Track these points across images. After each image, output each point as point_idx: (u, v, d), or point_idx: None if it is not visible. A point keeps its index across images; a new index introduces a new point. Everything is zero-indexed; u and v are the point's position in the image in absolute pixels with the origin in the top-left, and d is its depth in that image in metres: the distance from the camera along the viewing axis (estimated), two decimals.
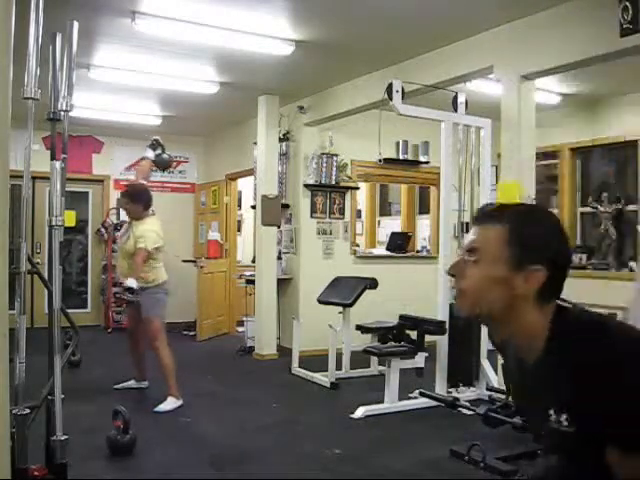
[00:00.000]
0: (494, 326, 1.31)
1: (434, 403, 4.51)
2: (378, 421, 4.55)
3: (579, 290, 7.01)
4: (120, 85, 6.41)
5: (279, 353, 6.92)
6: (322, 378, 5.64)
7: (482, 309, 1.26)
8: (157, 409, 4.66)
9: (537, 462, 1.42)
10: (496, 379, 4.82)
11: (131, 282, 4.74)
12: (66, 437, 2.68)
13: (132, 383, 5.29)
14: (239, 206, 9.77)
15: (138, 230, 4.92)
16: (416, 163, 7.68)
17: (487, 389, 4.79)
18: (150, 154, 5.34)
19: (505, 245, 1.23)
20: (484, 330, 5.10)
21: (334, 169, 7.23)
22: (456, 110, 5.19)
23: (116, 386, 5.24)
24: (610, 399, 1.12)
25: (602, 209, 6.73)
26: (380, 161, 5.92)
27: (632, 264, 6.17)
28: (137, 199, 5.02)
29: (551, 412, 1.21)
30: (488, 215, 1.30)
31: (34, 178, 3.36)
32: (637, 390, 1.12)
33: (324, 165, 7.17)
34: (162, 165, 5.48)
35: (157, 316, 4.92)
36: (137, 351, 5.26)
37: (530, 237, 1.23)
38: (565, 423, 1.18)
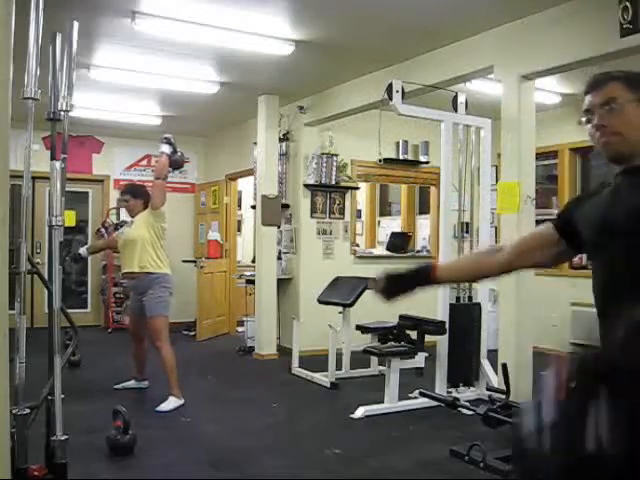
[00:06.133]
0: (627, 156, 1.59)
1: (434, 403, 4.51)
2: (378, 421, 4.55)
3: (580, 290, 7.00)
4: (120, 85, 6.41)
5: (279, 353, 6.91)
6: (322, 378, 5.64)
7: (627, 139, 1.57)
8: (158, 409, 4.66)
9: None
10: (496, 379, 4.82)
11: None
12: (66, 437, 2.68)
13: (132, 383, 5.29)
14: (239, 206, 9.77)
15: (142, 216, 5.03)
16: (416, 163, 7.68)
17: (487, 389, 4.78)
18: (167, 149, 5.04)
19: (629, 90, 1.58)
20: (484, 330, 5.11)
21: (334, 169, 7.23)
22: (456, 110, 5.19)
23: (116, 386, 5.24)
24: None
25: None
26: (380, 161, 5.92)
27: None
28: (138, 195, 5.12)
29: None
30: (600, 80, 1.63)
31: (34, 178, 3.36)
32: None
33: (324, 165, 7.17)
34: (175, 165, 5.32)
35: (160, 315, 4.92)
36: (140, 351, 5.26)
37: (637, 80, 1.61)
38: None
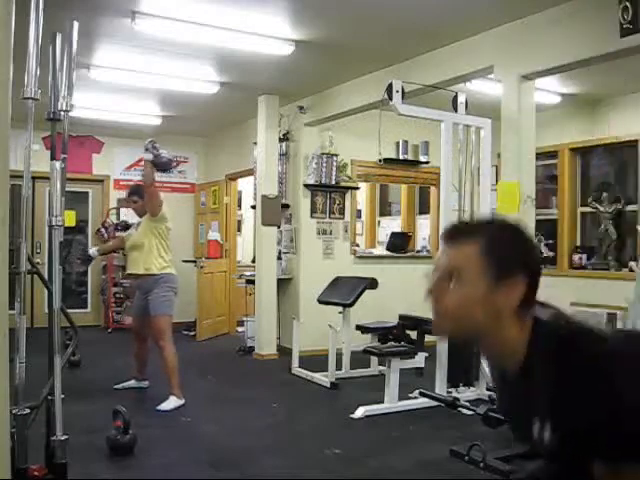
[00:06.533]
0: (473, 344, 1.32)
1: (434, 403, 4.51)
2: (378, 421, 4.55)
3: (580, 290, 7.01)
4: (120, 85, 6.40)
5: (279, 353, 6.91)
6: (322, 378, 5.64)
7: (463, 329, 1.24)
8: (159, 408, 4.66)
9: (526, 465, 1.44)
10: None
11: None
12: (66, 437, 2.68)
13: (132, 383, 5.29)
14: (239, 206, 9.77)
15: (148, 219, 5.04)
16: (416, 163, 7.68)
17: (487, 389, 4.79)
18: (147, 156, 5.04)
19: (482, 260, 1.20)
20: None
21: (334, 169, 7.23)
22: (456, 110, 5.18)
23: (116, 386, 5.24)
24: (595, 411, 1.12)
25: (602, 209, 6.73)
26: (380, 161, 5.92)
27: (632, 264, 6.17)
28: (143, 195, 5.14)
29: (535, 424, 1.20)
30: (456, 234, 1.26)
31: (34, 178, 3.36)
32: (621, 401, 1.11)
33: (324, 165, 7.17)
34: (164, 167, 5.30)
35: (164, 314, 4.93)
36: (143, 351, 5.27)
37: (504, 247, 1.22)
38: (548, 436, 1.17)
